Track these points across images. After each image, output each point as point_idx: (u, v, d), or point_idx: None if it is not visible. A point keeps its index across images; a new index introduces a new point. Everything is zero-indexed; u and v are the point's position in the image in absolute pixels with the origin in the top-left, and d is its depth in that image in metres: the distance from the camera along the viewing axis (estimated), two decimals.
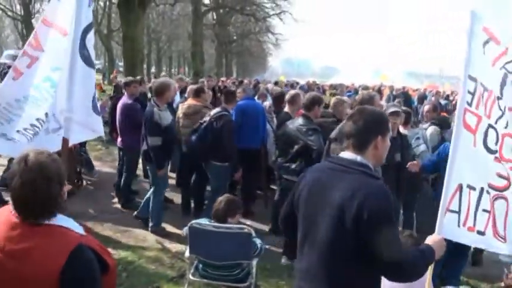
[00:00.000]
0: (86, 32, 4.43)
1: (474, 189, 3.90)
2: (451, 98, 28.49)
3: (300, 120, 7.20)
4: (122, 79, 16.63)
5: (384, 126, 3.20)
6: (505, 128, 4.03)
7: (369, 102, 6.08)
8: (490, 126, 3.96)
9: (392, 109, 7.05)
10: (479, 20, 3.94)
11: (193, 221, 5.38)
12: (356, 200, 2.84)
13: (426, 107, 9.70)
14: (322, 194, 3.03)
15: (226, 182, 8.22)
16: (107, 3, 44.17)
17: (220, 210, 5.31)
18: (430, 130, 8.44)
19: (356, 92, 20.77)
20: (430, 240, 3.52)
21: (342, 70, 68.47)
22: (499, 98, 4.00)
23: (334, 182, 3.01)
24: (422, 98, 24.30)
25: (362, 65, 64.75)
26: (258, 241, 5.42)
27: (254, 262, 5.40)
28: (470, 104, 3.85)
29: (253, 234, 5.25)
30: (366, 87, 28.45)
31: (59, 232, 2.53)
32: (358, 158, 3.06)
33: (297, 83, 25.30)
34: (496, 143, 3.99)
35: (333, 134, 6.11)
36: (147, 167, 8.16)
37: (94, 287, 2.54)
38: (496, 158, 3.98)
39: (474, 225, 3.92)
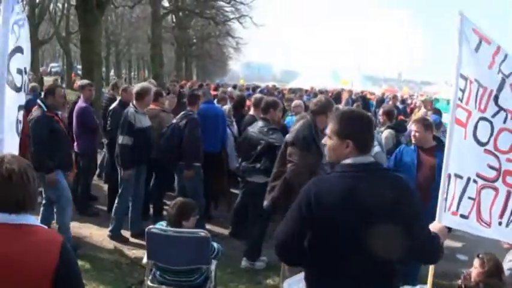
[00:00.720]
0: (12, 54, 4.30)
1: (461, 177, 4.30)
2: (408, 101, 28.89)
3: (260, 123, 7.32)
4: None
5: (362, 123, 3.26)
6: (504, 123, 4.26)
7: (327, 106, 6.10)
8: (482, 119, 4.25)
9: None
10: (469, 22, 4.19)
11: (151, 226, 5.30)
12: (399, 197, 2.94)
13: (381, 110, 9.79)
14: (358, 202, 2.90)
15: (200, 182, 8.15)
16: (65, 5, 43.36)
17: (172, 215, 5.23)
18: (385, 133, 8.55)
19: (315, 95, 20.87)
20: (432, 227, 3.60)
21: (301, 74, 68.74)
22: (496, 97, 4.24)
23: (369, 191, 2.93)
24: (380, 102, 24.56)
25: (322, 69, 65.11)
26: (215, 244, 5.38)
27: (213, 266, 5.35)
28: (461, 100, 4.21)
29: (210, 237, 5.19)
30: (325, 91, 28.80)
31: (41, 231, 2.56)
32: (369, 158, 3.10)
33: (257, 87, 25.32)
34: (491, 135, 4.24)
35: (289, 138, 6.09)
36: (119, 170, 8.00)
37: (81, 280, 2.64)
38: (485, 150, 4.25)
39: (457, 210, 4.34)
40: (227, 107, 10.64)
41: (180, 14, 47.76)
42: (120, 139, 7.59)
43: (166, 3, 42.49)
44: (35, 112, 7.11)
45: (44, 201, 7.50)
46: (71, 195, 7.50)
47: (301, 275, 5.33)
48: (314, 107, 6.27)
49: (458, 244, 8.98)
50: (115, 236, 7.87)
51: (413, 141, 6.58)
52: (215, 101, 10.87)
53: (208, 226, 8.20)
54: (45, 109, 7.07)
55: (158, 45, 35.60)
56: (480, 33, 4.24)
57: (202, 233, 5.14)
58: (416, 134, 6.51)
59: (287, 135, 6.27)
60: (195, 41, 59.98)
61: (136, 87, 8.36)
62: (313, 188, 3.09)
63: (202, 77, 72.08)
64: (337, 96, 24.20)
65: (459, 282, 5.44)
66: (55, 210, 7.33)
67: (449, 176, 4.31)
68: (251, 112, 8.70)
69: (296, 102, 10.31)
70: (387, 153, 7.61)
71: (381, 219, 2.84)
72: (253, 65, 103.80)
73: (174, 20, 49.89)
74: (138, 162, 7.86)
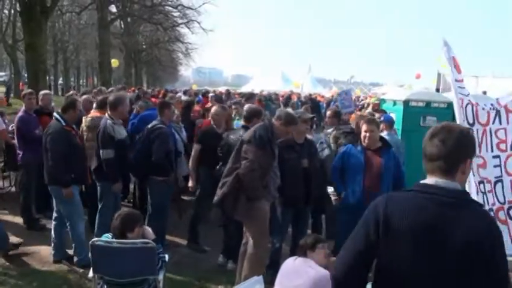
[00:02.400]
0: None
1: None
2: (357, 102, 29.23)
3: (241, 131, 7.17)
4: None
5: (474, 149, 2.84)
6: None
7: (287, 121, 6.18)
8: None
9: (305, 116, 7.15)
10: (450, 50, 4.67)
11: (95, 239, 5.14)
12: (487, 234, 2.55)
13: (328, 112, 9.80)
14: (437, 235, 2.56)
15: (168, 198, 7.95)
16: (12, 11, 42.24)
17: (116, 227, 5.08)
18: (333, 135, 8.55)
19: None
20: None
21: (253, 78, 68.95)
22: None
23: (449, 220, 2.57)
24: (330, 104, 24.82)
25: (273, 72, 65.43)
26: (162, 254, 5.26)
27: (161, 276, 5.22)
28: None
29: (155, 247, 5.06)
30: (275, 94, 28.88)
31: None
32: (458, 185, 2.69)
33: (207, 92, 25.22)
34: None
35: (245, 136, 6.10)
36: (98, 185, 7.71)
37: None
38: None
39: None
40: (176, 112, 10.53)
41: (128, 19, 47.34)
42: (103, 153, 7.35)
43: (113, 9, 42.05)
44: (53, 126, 7.04)
45: (55, 215, 7.37)
46: (83, 211, 7.43)
47: (251, 281, 5.32)
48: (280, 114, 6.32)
49: None
50: None
51: (367, 142, 6.57)
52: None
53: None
54: (63, 123, 7.01)
55: (106, 52, 35.16)
56: (457, 62, 4.85)
57: (149, 243, 5.01)
58: (368, 134, 6.51)
59: (244, 134, 6.27)
60: (144, 46, 59.51)
61: (110, 96, 8.16)
62: (383, 203, 2.74)
63: (152, 84, 71.55)
64: (287, 100, 24.34)
65: None
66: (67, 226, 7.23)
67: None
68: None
69: (247, 106, 10.25)
70: (335, 154, 7.62)
71: (460, 258, 2.53)
72: (204, 70, 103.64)
73: (122, 25, 49.39)
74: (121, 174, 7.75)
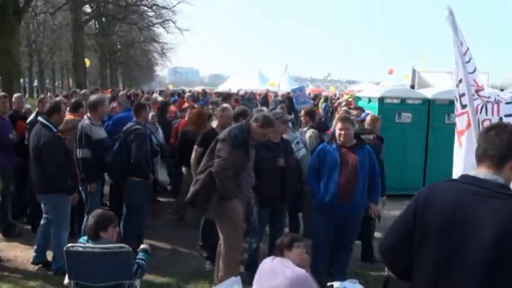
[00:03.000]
0: None
1: None
2: (333, 100, 29.34)
3: None
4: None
5: None
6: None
7: (263, 124, 6.17)
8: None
9: (279, 115, 7.15)
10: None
11: (69, 244, 5.05)
12: None
13: (302, 112, 9.81)
14: (468, 224, 2.54)
15: (145, 199, 7.86)
16: None
17: (90, 226, 5.02)
18: (308, 133, 8.59)
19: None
20: None
21: (229, 77, 68.95)
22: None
23: (482, 210, 2.53)
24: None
25: (249, 71, 65.60)
26: (140, 254, 5.21)
27: (137, 281, 5.17)
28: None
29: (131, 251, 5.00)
30: (252, 94, 28.88)
31: None
32: (499, 179, 2.64)
33: (183, 92, 25.15)
34: None
35: (221, 135, 6.13)
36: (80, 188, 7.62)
37: None
38: None
39: None
40: (151, 113, 10.48)
41: (103, 19, 46.97)
42: (79, 153, 7.34)
43: (88, 9, 41.64)
44: (44, 135, 6.85)
45: (43, 222, 7.20)
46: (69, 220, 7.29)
47: (229, 281, 5.31)
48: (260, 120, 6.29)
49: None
50: None
51: (342, 140, 6.56)
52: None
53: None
54: (55, 130, 6.90)
55: (81, 53, 34.78)
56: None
57: (125, 248, 4.95)
58: (343, 132, 6.51)
59: (220, 134, 6.27)
60: (119, 47, 59.10)
61: (90, 98, 8.09)
62: (427, 194, 2.78)
63: (128, 84, 71.12)
64: (264, 99, 24.35)
65: (385, 272, 5.50)
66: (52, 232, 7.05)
67: None
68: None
69: (223, 106, 10.21)
70: (312, 153, 7.63)
71: (488, 250, 2.47)
72: (180, 70, 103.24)
73: (97, 26, 49.00)
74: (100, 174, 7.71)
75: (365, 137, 7.72)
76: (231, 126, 6.28)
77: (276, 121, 6.80)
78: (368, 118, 8.68)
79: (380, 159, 7.58)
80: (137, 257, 5.14)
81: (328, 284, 5.65)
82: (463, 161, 4.73)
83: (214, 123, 8.07)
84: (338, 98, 31.21)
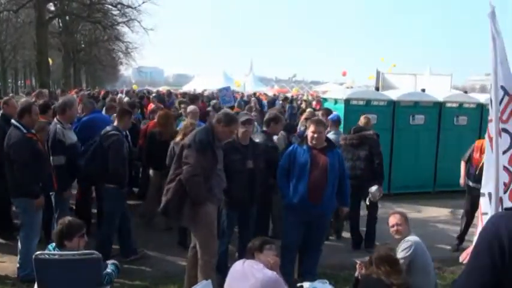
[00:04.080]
0: None
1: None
2: (299, 102, 29.48)
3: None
4: None
5: None
6: None
7: (226, 121, 6.14)
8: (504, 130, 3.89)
9: (244, 117, 7.16)
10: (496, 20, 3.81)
11: (38, 252, 4.95)
12: None
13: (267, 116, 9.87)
14: None
15: (121, 206, 7.63)
16: None
17: (55, 235, 4.96)
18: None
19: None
20: None
21: (194, 77, 68.76)
22: None
23: None
24: (272, 103, 24.94)
25: (214, 71, 65.43)
26: (110, 267, 5.17)
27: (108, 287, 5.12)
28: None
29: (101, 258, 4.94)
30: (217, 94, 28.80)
31: None
32: None
33: (148, 92, 24.98)
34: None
35: (186, 141, 6.07)
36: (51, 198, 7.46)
37: None
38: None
39: None
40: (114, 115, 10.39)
41: (67, 18, 46.27)
42: (54, 160, 7.15)
43: (51, 7, 40.96)
44: (14, 135, 6.68)
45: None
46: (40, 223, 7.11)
47: (200, 285, 5.32)
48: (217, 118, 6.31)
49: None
50: None
51: (314, 142, 6.62)
52: (103, 111, 10.56)
53: None
54: (24, 130, 6.68)
55: (44, 52, 34.22)
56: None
57: (94, 254, 4.89)
58: (316, 134, 6.56)
59: (185, 139, 6.21)
60: (83, 46, 58.29)
61: (60, 100, 7.91)
62: (505, 222, 2.17)
63: (92, 84, 70.24)
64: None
65: (356, 273, 5.59)
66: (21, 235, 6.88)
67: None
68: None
69: (191, 107, 10.22)
70: (280, 155, 7.67)
71: None
72: (145, 69, 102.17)
73: (61, 24, 48.27)
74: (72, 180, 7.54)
75: (367, 133, 8.70)
76: (196, 131, 6.21)
77: (245, 123, 6.87)
78: (362, 119, 9.20)
79: (379, 152, 8.51)
80: (107, 269, 5.11)
81: (298, 284, 5.72)
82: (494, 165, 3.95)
83: (184, 123, 8.01)
84: (300, 98, 31.45)
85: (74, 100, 7.92)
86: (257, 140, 7.54)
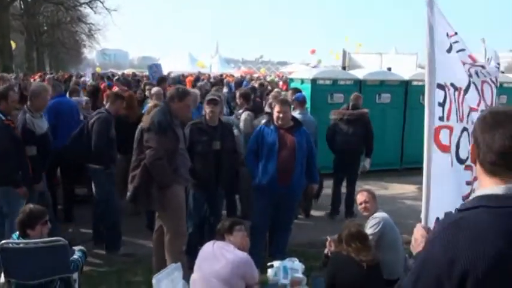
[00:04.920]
0: None
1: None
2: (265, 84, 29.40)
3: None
4: None
5: None
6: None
7: (179, 97, 6.05)
8: (464, 130, 3.37)
9: (209, 97, 7.11)
10: (438, 10, 3.26)
11: (4, 241, 4.84)
12: None
13: (238, 94, 9.84)
14: None
15: (111, 187, 7.44)
16: None
17: (18, 224, 4.86)
18: (243, 116, 8.61)
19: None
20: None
21: (160, 59, 68.13)
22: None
23: None
24: (239, 84, 24.82)
25: (180, 53, 64.83)
26: (77, 253, 5.09)
27: (75, 275, 5.05)
28: (442, 118, 3.21)
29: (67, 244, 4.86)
30: (183, 76, 28.61)
31: None
32: None
33: (113, 75, 24.66)
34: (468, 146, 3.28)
35: (144, 124, 5.96)
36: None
37: None
38: (467, 166, 3.34)
39: None
40: (85, 98, 10.23)
41: None
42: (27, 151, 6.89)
43: None
44: None
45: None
46: None
47: (170, 268, 5.29)
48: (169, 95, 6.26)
49: (322, 213, 9.34)
50: None
51: (279, 122, 6.61)
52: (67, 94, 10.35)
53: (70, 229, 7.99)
54: (2, 117, 6.40)
55: (6, 35, 33.49)
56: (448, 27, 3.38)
57: (60, 241, 4.80)
58: (281, 114, 6.57)
59: (142, 123, 6.11)
60: (45, 28, 57.24)
61: (32, 87, 7.69)
62: (448, 238, 1.88)
63: (55, 68, 69.05)
64: (197, 81, 24.13)
65: (325, 250, 5.63)
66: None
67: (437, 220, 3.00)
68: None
69: (155, 89, 10.10)
70: (247, 136, 7.65)
71: None
72: (108, 52, 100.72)
73: (22, 6, 47.31)
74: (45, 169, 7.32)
75: (364, 111, 9.41)
76: (152, 113, 6.06)
77: (209, 103, 6.86)
78: (354, 97, 9.76)
79: (372, 128, 9.36)
80: (74, 255, 5.04)
81: (268, 263, 5.75)
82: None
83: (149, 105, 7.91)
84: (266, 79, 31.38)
85: (46, 87, 7.65)
86: (263, 122, 7.50)
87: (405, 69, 15.29)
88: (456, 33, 3.48)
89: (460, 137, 3.34)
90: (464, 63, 3.48)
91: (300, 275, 5.44)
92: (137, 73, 35.85)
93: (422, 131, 3.11)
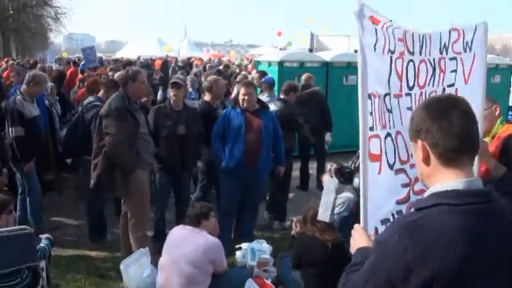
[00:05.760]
0: None
1: (388, 220, 3.21)
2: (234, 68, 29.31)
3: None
4: None
5: None
6: (395, 126, 3.34)
7: (132, 77, 5.99)
8: (387, 135, 3.29)
9: (172, 80, 7.09)
10: (367, 10, 3.06)
11: None
12: None
13: (203, 78, 9.82)
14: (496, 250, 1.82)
15: None
16: None
17: None
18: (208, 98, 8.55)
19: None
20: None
21: (127, 43, 67.36)
22: (386, 95, 3.29)
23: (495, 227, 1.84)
24: (206, 67, 24.69)
25: (148, 37, 64.18)
26: (43, 242, 5.06)
27: (43, 263, 5.01)
28: (372, 128, 3.13)
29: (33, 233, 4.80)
30: (150, 60, 28.39)
31: None
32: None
33: (79, 59, 24.31)
34: (395, 152, 3.32)
35: (102, 111, 5.88)
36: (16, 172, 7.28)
37: None
38: (397, 170, 3.32)
39: None
40: (50, 84, 10.11)
41: None
42: (12, 131, 6.93)
43: None
44: None
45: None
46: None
47: (137, 254, 5.31)
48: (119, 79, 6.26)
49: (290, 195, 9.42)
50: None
51: (246, 105, 6.62)
52: None
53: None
54: None
55: None
56: (375, 18, 3.13)
57: (26, 229, 4.75)
58: (246, 97, 6.58)
59: (102, 109, 6.02)
60: (11, 12, 56.12)
61: (33, 73, 7.62)
62: (406, 240, 1.80)
63: (22, 52, 67.84)
64: (164, 64, 23.97)
65: (292, 232, 5.68)
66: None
67: (376, 230, 3.06)
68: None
69: (119, 73, 10.01)
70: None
71: None
72: (75, 36, 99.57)
73: None
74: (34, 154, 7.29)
75: (316, 89, 9.99)
76: (110, 99, 5.99)
77: (173, 86, 6.86)
78: (304, 77, 10.33)
79: (327, 103, 10.20)
80: (40, 243, 5.00)
81: (236, 246, 5.78)
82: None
83: None
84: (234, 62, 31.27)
85: (46, 79, 7.78)
86: (274, 107, 7.64)
87: None
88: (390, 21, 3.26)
89: (385, 143, 3.26)
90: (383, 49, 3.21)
91: (267, 256, 5.48)
92: (104, 57, 35.34)
93: None
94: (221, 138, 6.76)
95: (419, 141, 1.99)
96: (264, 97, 8.20)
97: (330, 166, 4.98)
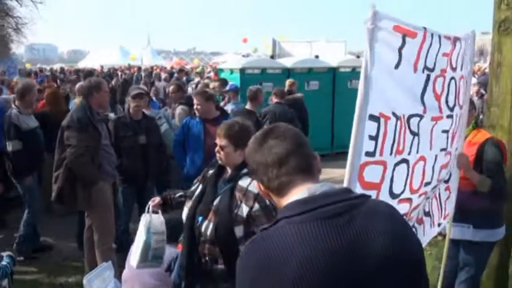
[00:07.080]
0: None
1: None
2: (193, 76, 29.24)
3: None
4: None
5: None
6: (418, 151, 3.13)
7: (96, 87, 5.96)
8: (402, 161, 3.09)
9: (135, 91, 7.06)
10: (386, 19, 2.78)
11: None
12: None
13: (170, 88, 9.80)
14: (357, 253, 1.67)
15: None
16: None
17: None
18: (178, 110, 8.54)
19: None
20: None
21: (90, 53, 66.81)
22: (412, 116, 3.07)
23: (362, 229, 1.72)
24: (172, 76, 24.62)
25: (111, 46, 63.76)
26: (5, 260, 4.98)
27: (5, 282, 4.93)
28: (373, 154, 2.89)
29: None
30: (113, 69, 28.18)
31: None
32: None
33: (41, 71, 24.03)
34: (406, 180, 3.14)
35: (64, 122, 5.81)
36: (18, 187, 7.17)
37: None
38: (401, 199, 3.14)
39: None
40: (12, 96, 9.95)
41: None
42: (9, 146, 6.83)
43: None
44: None
45: None
46: None
47: (101, 268, 5.25)
48: (82, 90, 6.20)
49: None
50: (25, 251, 7.08)
51: (199, 114, 6.63)
52: None
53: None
54: None
55: None
56: (403, 28, 2.85)
57: None
58: (198, 106, 6.58)
59: (64, 120, 5.94)
60: None
61: (18, 84, 7.57)
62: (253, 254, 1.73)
63: None
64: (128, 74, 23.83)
65: None
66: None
67: None
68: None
69: (79, 85, 9.93)
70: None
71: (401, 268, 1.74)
72: (37, 47, 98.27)
73: None
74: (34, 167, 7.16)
75: (299, 96, 10.65)
76: (72, 110, 5.99)
77: (135, 97, 6.82)
78: (288, 83, 10.87)
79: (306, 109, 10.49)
80: (2, 261, 4.93)
81: None
82: None
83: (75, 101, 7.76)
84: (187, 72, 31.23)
85: (33, 85, 7.61)
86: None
87: (334, 56, 15.59)
88: (424, 29, 2.99)
89: (393, 170, 3.02)
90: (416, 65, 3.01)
91: None
92: (66, 68, 34.97)
93: (350, 115, 2.88)
94: (182, 146, 6.78)
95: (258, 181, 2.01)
96: (230, 105, 8.27)
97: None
